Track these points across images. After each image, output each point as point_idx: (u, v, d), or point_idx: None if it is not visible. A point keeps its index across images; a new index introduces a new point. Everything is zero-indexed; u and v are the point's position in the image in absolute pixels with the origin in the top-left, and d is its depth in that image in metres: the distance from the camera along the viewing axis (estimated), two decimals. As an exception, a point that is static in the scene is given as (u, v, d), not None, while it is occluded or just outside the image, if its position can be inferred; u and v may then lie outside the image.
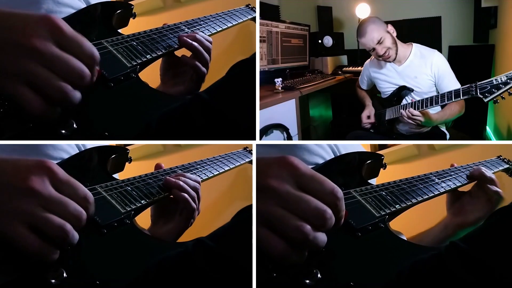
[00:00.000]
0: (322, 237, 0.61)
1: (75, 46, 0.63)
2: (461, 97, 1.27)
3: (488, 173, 0.96)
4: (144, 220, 0.86)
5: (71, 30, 0.63)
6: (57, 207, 0.58)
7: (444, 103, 1.35)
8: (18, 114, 0.62)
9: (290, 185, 0.61)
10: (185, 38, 0.86)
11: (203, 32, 0.91)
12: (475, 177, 0.96)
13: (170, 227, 0.86)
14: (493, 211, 0.92)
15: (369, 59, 1.83)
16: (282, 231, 0.60)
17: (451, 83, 1.58)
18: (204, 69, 0.87)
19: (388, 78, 1.72)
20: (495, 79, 1.19)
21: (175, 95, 0.88)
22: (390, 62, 1.65)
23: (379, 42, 1.60)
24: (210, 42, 0.89)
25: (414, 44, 1.67)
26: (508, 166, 1.11)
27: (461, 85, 1.60)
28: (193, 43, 0.86)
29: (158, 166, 0.91)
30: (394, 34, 1.63)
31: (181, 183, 0.85)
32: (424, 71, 1.62)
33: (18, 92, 0.60)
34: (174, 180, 0.85)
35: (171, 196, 0.85)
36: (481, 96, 1.20)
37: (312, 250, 0.63)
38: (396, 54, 1.62)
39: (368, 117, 1.79)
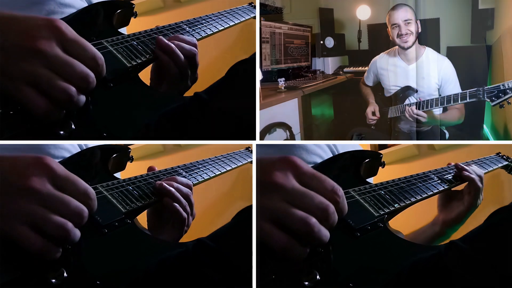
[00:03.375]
0: (326, 232, 0.62)
1: (79, 49, 0.64)
2: (468, 100, 1.29)
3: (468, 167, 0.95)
4: (144, 220, 0.86)
5: (75, 34, 0.64)
6: (57, 206, 0.58)
7: (450, 104, 1.36)
8: (18, 115, 0.62)
9: (295, 182, 0.62)
10: (160, 50, 0.80)
11: (204, 31, 0.90)
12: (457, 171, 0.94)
13: (164, 237, 0.81)
14: (474, 203, 0.91)
15: (377, 56, 1.85)
16: (288, 225, 0.60)
17: (455, 90, 1.61)
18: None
19: (395, 76, 1.74)
20: (503, 84, 1.21)
21: None
22: (405, 48, 1.67)
23: (406, 22, 1.66)
24: (193, 44, 0.83)
25: (428, 48, 1.71)
26: (507, 163, 1.10)
27: (461, 87, 1.63)
28: (174, 50, 0.81)
29: (151, 169, 0.87)
30: (419, 31, 1.70)
31: (174, 191, 0.81)
32: (432, 74, 1.65)
33: (22, 93, 0.60)
34: (168, 187, 0.81)
35: (162, 202, 0.80)
36: (488, 100, 1.21)
37: (313, 249, 0.63)
38: (413, 44, 1.66)
39: (373, 113, 1.81)
